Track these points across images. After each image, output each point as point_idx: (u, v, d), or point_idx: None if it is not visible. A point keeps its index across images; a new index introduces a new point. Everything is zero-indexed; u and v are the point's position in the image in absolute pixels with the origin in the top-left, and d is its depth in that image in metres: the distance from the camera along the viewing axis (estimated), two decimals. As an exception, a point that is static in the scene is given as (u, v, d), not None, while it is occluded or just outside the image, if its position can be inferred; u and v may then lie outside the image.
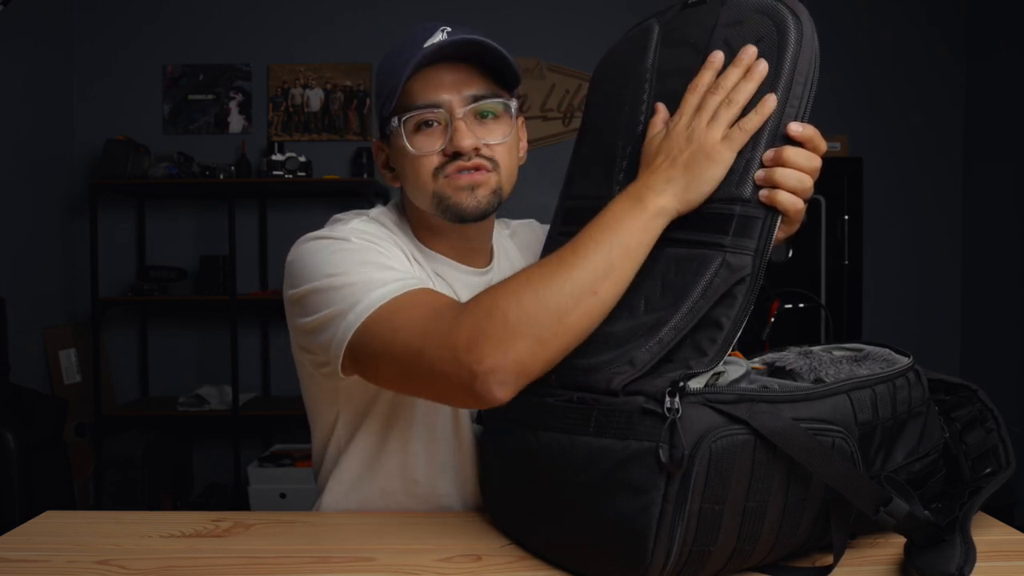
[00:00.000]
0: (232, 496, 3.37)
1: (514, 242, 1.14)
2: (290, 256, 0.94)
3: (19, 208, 3.22)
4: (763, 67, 0.76)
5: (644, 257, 0.78)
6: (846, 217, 3.53)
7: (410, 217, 1.04)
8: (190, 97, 3.65)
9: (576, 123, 3.66)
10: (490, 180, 0.95)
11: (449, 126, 0.92)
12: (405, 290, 0.84)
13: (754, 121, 0.75)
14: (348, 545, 0.85)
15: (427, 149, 0.93)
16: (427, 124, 0.93)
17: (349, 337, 0.84)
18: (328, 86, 3.66)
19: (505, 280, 0.80)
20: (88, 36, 3.64)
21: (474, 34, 0.93)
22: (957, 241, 3.73)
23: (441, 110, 0.92)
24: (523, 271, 0.80)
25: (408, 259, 0.97)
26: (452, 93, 0.92)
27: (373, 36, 3.62)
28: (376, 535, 0.88)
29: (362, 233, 0.93)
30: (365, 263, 0.87)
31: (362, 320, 0.83)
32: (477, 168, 0.93)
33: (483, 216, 0.96)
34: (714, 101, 0.77)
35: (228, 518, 0.94)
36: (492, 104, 0.95)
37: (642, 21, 0.91)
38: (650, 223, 0.77)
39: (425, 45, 0.91)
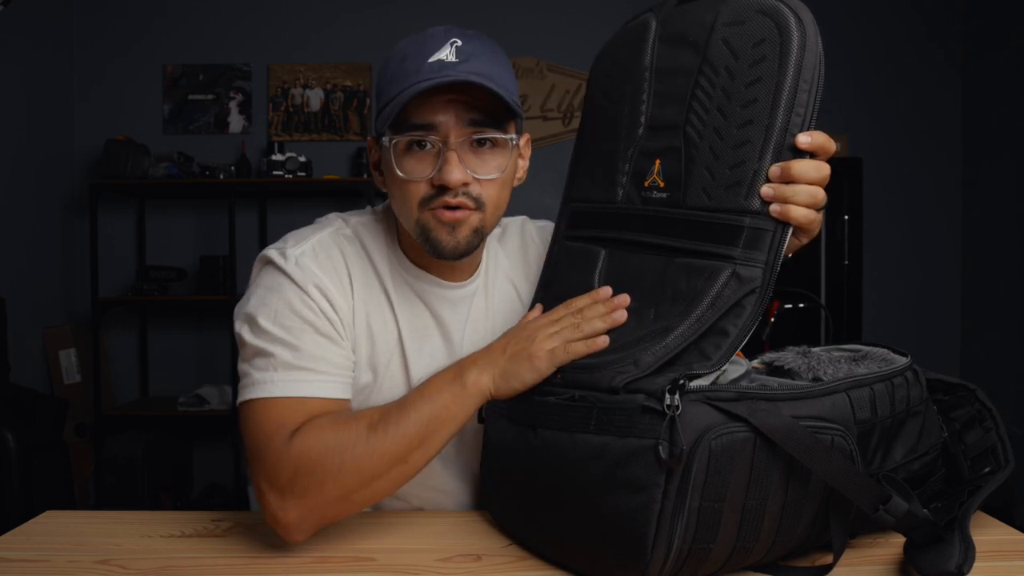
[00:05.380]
0: (232, 496, 3.37)
1: (503, 247, 1.09)
2: (253, 268, 0.97)
3: (19, 208, 3.22)
4: (620, 316, 0.80)
5: (459, 428, 0.84)
6: (846, 217, 3.53)
7: (398, 225, 1.00)
8: (190, 97, 3.66)
9: (576, 123, 3.66)
10: (471, 219, 0.91)
11: (442, 153, 0.88)
12: (268, 395, 0.86)
13: (579, 349, 0.79)
14: (348, 545, 0.85)
15: (416, 175, 0.89)
16: (420, 145, 0.89)
17: (238, 404, 0.90)
18: (328, 86, 3.66)
19: (339, 428, 0.82)
20: (88, 36, 3.65)
21: (482, 55, 0.88)
22: (957, 241, 3.73)
23: (436, 135, 0.88)
24: (355, 426, 0.82)
25: (351, 289, 0.95)
26: (450, 116, 0.87)
27: (373, 36, 3.62)
28: (376, 535, 0.88)
29: (307, 272, 0.91)
30: (282, 326, 0.89)
31: (239, 400, 0.89)
32: (460, 207, 0.89)
33: (462, 256, 0.93)
34: (568, 320, 0.83)
35: (228, 518, 0.94)
36: (490, 134, 0.90)
37: (638, 14, 0.90)
38: (467, 400, 0.83)
39: (430, 60, 0.86)
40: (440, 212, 0.90)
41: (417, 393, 0.84)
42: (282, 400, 0.86)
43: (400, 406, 0.83)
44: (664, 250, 0.80)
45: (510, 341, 0.85)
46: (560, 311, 0.85)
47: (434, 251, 0.92)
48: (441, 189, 0.89)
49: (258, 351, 0.88)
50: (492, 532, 0.89)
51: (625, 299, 0.81)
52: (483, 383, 0.84)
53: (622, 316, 0.80)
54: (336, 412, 0.87)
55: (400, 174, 0.90)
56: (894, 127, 3.70)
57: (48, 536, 0.89)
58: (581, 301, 0.84)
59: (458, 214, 0.90)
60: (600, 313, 0.81)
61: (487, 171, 0.90)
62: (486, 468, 0.91)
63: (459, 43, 0.88)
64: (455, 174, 0.87)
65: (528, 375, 0.81)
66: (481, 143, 0.90)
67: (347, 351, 0.94)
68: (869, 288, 3.59)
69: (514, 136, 0.92)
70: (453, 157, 0.87)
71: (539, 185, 3.21)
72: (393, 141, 0.89)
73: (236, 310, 0.94)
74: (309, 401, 0.87)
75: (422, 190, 0.90)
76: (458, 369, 0.85)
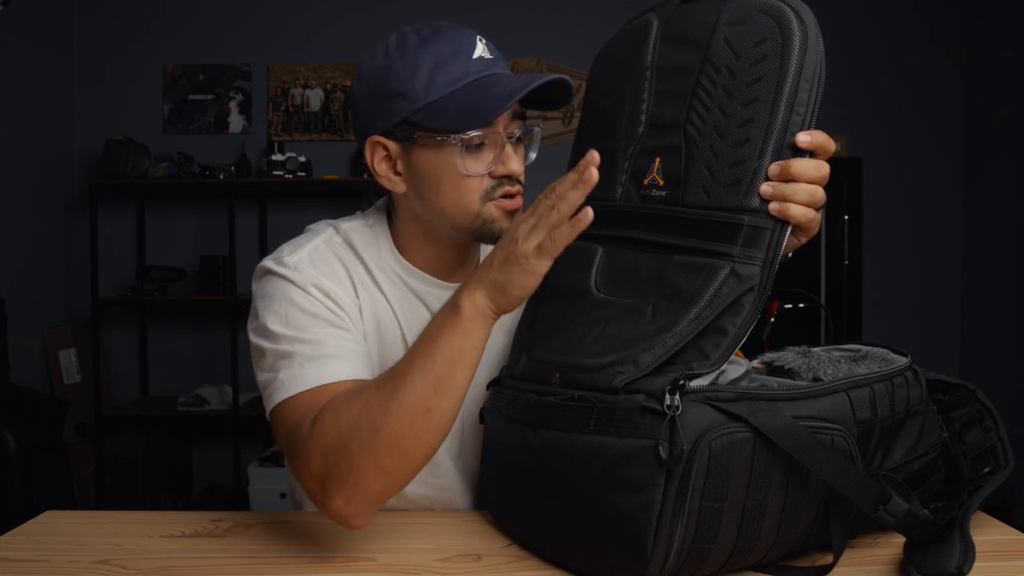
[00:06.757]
0: (232, 496, 3.37)
1: None
2: (252, 283, 0.97)
3: (19, 208, 3.22)
4: (592, 176, 0.74)
5: (477, 359, 0.80)
6: (846, 217, 3.53)
7: (396, 229, 1.01)
8: (190, 97, 3.66)
9: (576, 123, 3.66)
10: (521, 205, 0.96)
11: (504, 146, 0.93)
12: (288, 394, 0.85)
13: (565, 234, 0.75)
14: (348, 545, 0.85)
15: (478, 169, 0.92)
16: (478, 144, 0.92)
17: (267, 414, 0.89)
18: (328, 86, 3.66)
19: (351, 400, 0.80)
20: (88, 36, 3.65)
21: (498, 52, 0.94)
22: (957, 241, 3.73)
23: (497, 132, 0.92)
24: (366, 392, 0.80)
25: (354, 290, 0.96)
26: (507, 112, 0.92)
27: (373, 36, 3.61)
28: (376, 535, 0.88)
29: (306, 275, 0.92)
30: (294, 327, 0.89)
31: (270, 408, 0.88)
32: (518, 194, 0.96)
33: None
34: (543, 205, 0.77)
35: (228, 518, 0.94)
36: (529, 125, 0.96)
37: (640, 14, 0.90)
38: (468, 326, 0.79)
39: (473, 57, 0.91)
40: (504, 202, 0.94)
41: (419, 340, 0.81)
42: (307, 392, 0.85)
43: (406, 357, 0.81)
44: (662, 248, 0.80)
45: (496, 252, 0.81)
46: (536, 202, 0.80)
47: (493, 239, 0.95)
48: (503, 179, 0.93)
49: (279, 355, 0.88)
50: (492, 532, 0.89)
51: (594, 157, 0.74)
52: (479, 303, 0.79)
53: (593, 176, 0.73)
54: (348, 388, 0.85)
55: (465, 171, 0.92)
56: (895, 126, 3.70)
57: (48, 536, 0.89)
58: (554, 184, 0.78)
59: (517, 201, 0.96)
60: (572, 181, 0.75)
61: (525, 160, 0.99)
62: (486, 468, 0.91)
63: (482, 38, 0.93)
64: (518, 164, 0.95)
65: (523, 278, 0.77)
66: (518, 138, 0.96)
67: (360, 339, 0.94)
68: (869, 288, 3.59)
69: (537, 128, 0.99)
70: (511, 148, 0.94)
71: (539, 185, 3.20)
72: (464, 139, 0.90)
73: (248, 327, 0.95)
74: (329, 385, 0.85)
75: (484, 183, 0.93)
76: (451, 301, 0.82)
